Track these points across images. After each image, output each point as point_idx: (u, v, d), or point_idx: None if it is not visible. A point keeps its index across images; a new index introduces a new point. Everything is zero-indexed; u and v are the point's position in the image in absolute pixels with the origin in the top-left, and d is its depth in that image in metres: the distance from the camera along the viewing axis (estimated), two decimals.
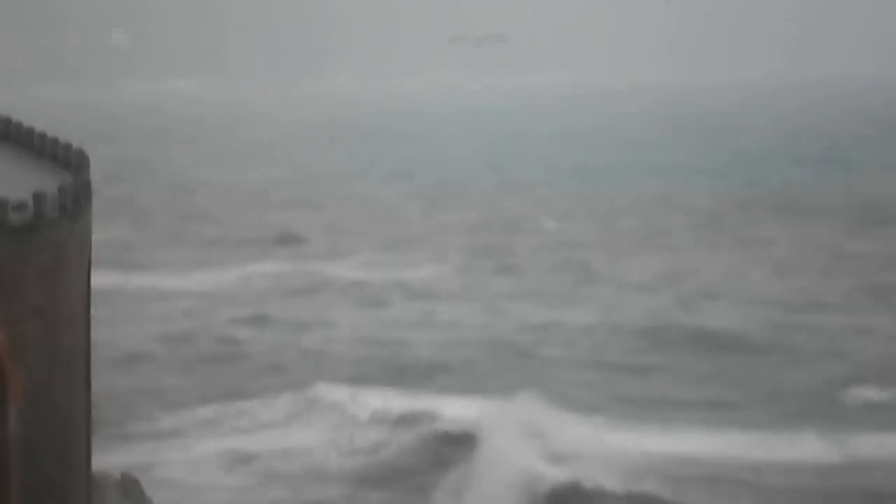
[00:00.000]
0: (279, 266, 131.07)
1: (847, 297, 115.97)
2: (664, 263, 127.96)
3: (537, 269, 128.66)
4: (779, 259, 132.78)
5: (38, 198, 62.80)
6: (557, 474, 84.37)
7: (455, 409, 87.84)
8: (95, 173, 71.15)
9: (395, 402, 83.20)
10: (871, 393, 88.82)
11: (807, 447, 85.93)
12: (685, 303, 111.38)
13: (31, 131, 77.59)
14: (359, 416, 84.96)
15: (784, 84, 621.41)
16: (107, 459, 69.42)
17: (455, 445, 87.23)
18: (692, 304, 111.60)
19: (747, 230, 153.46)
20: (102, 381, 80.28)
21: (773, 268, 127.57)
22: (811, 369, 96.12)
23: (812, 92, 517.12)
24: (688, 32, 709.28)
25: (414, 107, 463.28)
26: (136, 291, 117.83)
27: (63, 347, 63.58)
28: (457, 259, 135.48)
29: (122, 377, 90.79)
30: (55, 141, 76.50)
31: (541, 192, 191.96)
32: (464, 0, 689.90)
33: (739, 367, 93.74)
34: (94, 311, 70.09)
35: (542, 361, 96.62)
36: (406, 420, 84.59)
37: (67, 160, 73.84)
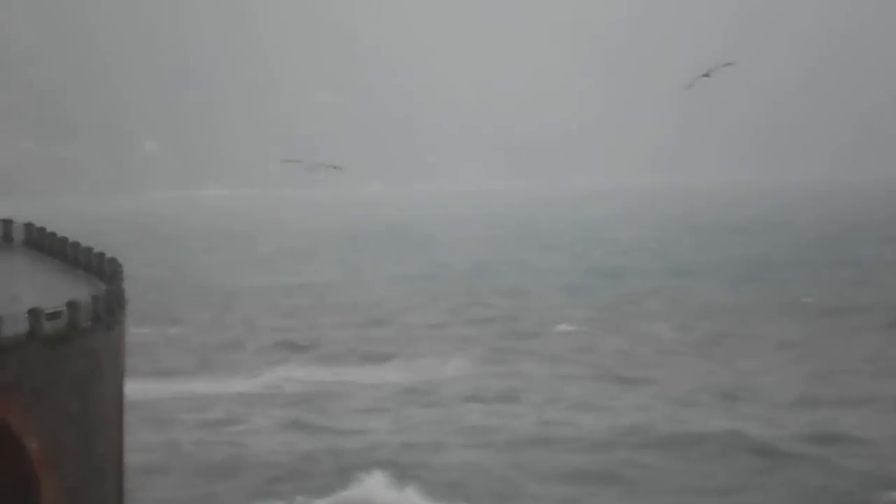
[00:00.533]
0: (309, 370, 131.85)
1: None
2: (699, 373, 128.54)
3: (566, 376, 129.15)
4: (815, 363, 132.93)
5: (72, 307, 63.70)
6: None
7: None
8: (128, 281, 72.23)
9: None
10: None
11: None
12: (725, 409, 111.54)
13: (64, 241, 78.82)
14: None
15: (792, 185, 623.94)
16: None
17: None
18: (730, 409, 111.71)
19: (777, 332, 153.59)
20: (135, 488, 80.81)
21: (814, 371, 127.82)
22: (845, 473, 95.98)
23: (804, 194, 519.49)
24: (692, 134, 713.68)
25: (439, 210, 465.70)
26: (171, 398, 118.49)
27: (97, 455, 64.01)
28: (479, 361, 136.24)
29: (157, 484, 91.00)
30: (88, 250, 77.64)
31: (561, 292, 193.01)
32: (491, 109, 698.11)
33: (773, 473, 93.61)
34: (128, 417, 70.77)
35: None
36: None
37: (101, 269, 74.93)
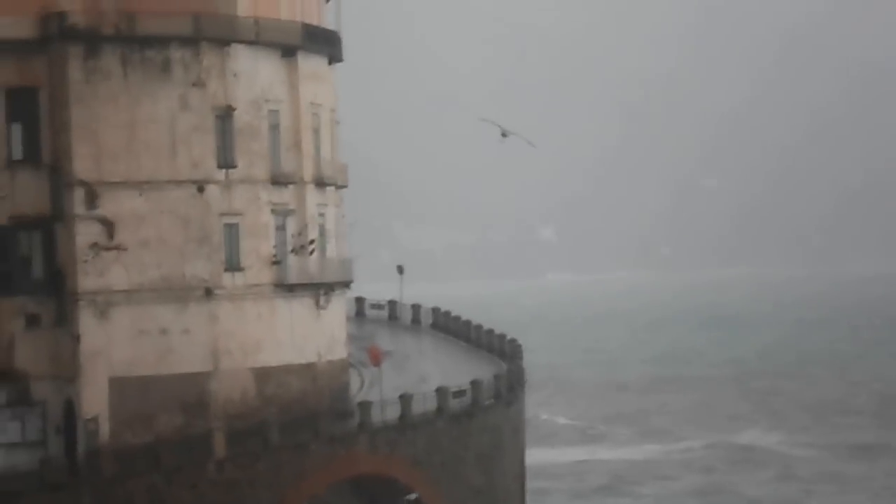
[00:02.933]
0: None
1: None
2: None
3: None
4: None
5: (476, 385, 67.37)
6: None
7: None
8: (527, 360, 75.42)
9: None
10: None
11: None
12: None
13: (467, 323, 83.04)
14: None
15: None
16: None
17: None
18: None
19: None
20: None
21: None
22: None
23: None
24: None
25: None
26: (569, 466, 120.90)
27: None
28: None
29: None
30: (490, 332, 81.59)
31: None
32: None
33: None
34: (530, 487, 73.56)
35: None
36: None
37: (501, 349, 78.67)
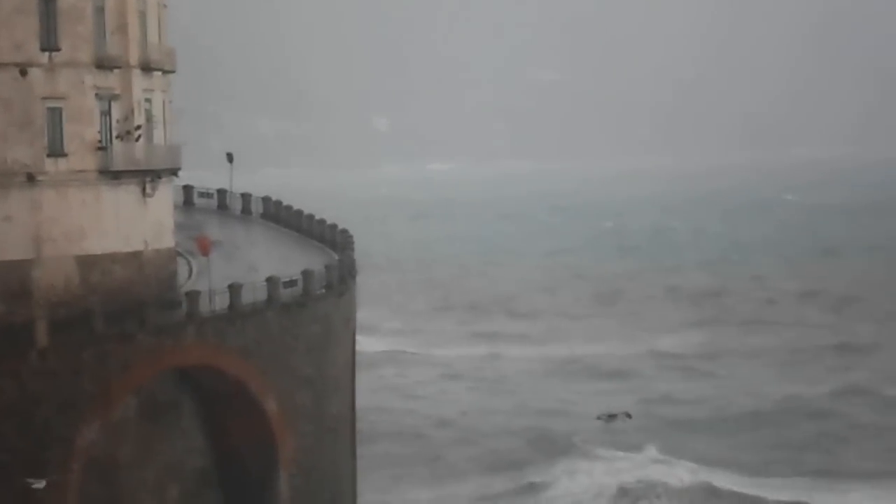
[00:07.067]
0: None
1: None
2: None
3: None
4: None
5: (307, 275, 66.81)
6: None
7: None
8: (357, 251, 75.08)
9: None
10: None
11: None
12: None
13: (299, 213, 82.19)
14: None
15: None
16: None
17: None
18: None
19: None
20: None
21: None
22: None
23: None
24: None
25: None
26: (403, 360, 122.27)
27: (330, 416, 66.95)
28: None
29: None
30: (321, 222, 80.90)
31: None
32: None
33: None
34: (359, 379, 73.64)
35: None
36: None
37: (333, 240, 78.10)
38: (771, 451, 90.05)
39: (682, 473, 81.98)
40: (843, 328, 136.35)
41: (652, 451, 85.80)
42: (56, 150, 56.61)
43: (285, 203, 79.82)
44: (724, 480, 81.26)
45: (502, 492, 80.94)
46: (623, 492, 79.32)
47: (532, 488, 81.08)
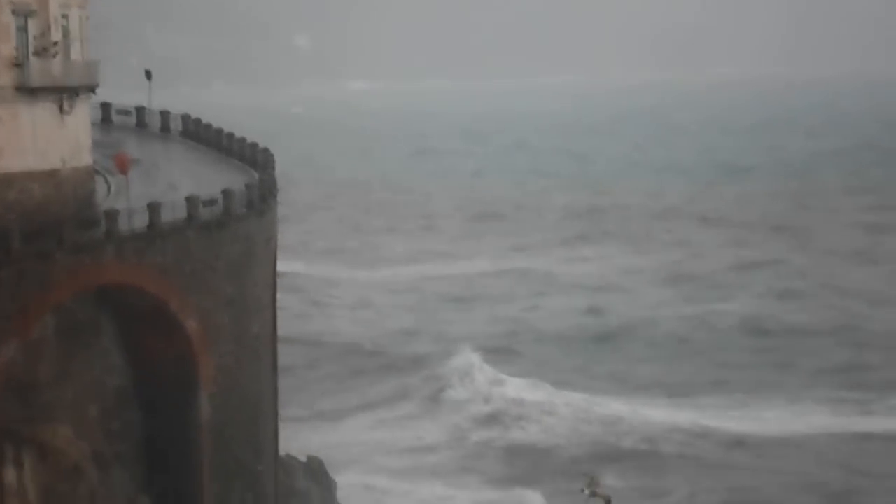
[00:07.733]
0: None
1: None
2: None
3: None
4: None
5: (227, 194, 66.23)
6: None
7: None
8: (279, 170, 74.56)
9: None
10: None
11: None
12: None
13: (219, 131, 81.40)
14: None
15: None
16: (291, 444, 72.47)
17: None
18: None
19: None
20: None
21: None
22: None
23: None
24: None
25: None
26: (321, 280, 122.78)
27: (251, 336, 66.78)
28: None
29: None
30: (242, 140, 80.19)
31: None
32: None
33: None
34: (281, 300, 73.32)
35: None
36: None
37: (254, 159, 77.47)
38: None
39: None
40: None
41: None
42: None
43: (205, 121, 79.00)
44: None
45: None
46: None
47: None
